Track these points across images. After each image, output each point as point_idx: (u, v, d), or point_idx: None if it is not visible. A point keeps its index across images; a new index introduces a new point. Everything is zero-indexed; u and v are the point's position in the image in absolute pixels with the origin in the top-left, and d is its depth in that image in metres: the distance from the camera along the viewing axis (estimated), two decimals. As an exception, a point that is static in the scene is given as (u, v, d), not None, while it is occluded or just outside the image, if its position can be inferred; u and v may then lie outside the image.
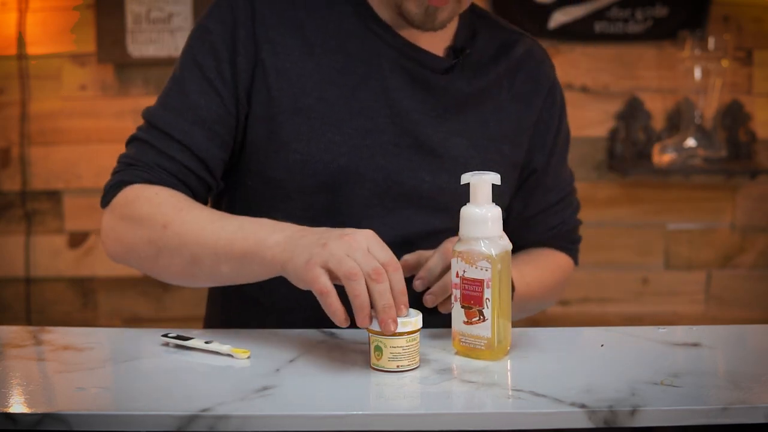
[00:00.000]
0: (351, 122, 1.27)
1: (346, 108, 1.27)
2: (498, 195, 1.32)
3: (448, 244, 1.16)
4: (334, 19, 1.30)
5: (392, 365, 1.04)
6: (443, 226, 1.28)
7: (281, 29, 1.28)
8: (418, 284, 1.16)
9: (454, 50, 1.33)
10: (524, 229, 1.43)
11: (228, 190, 1.33)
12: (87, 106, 2.63)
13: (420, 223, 1.30)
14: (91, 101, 2.63)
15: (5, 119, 2.63)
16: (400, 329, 1.03)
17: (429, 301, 1.15)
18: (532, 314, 1.49)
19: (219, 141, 1.26)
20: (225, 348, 1.11)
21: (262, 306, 1.32)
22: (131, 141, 1.28)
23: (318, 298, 1.04)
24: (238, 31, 1.26)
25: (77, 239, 2.68)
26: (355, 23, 1.30)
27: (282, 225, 1.13)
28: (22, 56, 2.60)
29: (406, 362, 1.05)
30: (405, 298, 1.05)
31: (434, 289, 1.15)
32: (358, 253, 1.04)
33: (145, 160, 1.24)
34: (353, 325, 1.05)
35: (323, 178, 1.27)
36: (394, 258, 1.06)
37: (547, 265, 1.45)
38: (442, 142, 1.30)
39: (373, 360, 1.06)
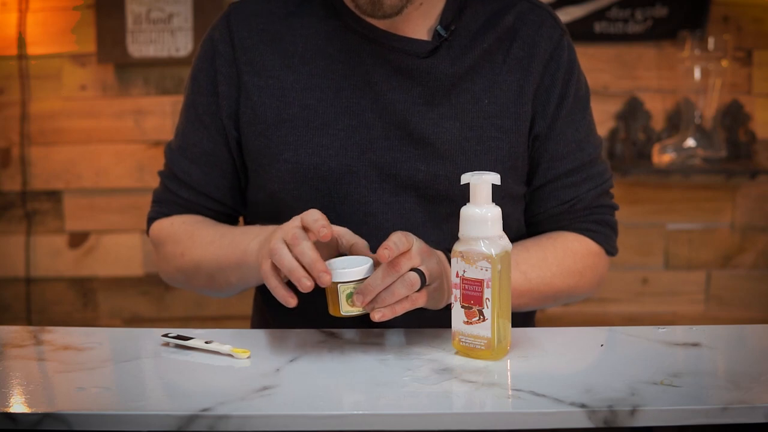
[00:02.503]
0: (337, 123, 1.27)
1: (331, 110, 1.27)
2: (512, 168, 1.30)
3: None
4: (311, 24, 1.30)
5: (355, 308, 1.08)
6: (447, 211, 1.27)
7: (260, 47, 1.30)
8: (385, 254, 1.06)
9: (438, 30, 1.29)
10: (533, 205, 1.35)
11: (247, 206, 1.39)
12: (87, 106, 2.63)
13: (422, 211, 1.28)
14: (91, 101, 2.63)
15: (5, 119, 2.63)
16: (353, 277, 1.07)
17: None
18: (548, 306, 1.36)
19: (217, 173, 1.35)
20: (225, 348, 1.11)
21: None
22: (159, 174, 1.41)
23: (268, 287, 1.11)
24: (218, 61, 1.32)
25: (77, 239, 2.68)
26: (331, 24, 1.30)
27: (259, 230, 1.24)
28: (22, 56, 2.60)
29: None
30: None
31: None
32: (287, 234, 1.09)
33: (162, 198, 1.40)
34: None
35: (316, 183, 1.27)
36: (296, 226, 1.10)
37: (553, 249, 1.32)
38: (433, 129, 1.27)
39: (345, 307, 1.08)
